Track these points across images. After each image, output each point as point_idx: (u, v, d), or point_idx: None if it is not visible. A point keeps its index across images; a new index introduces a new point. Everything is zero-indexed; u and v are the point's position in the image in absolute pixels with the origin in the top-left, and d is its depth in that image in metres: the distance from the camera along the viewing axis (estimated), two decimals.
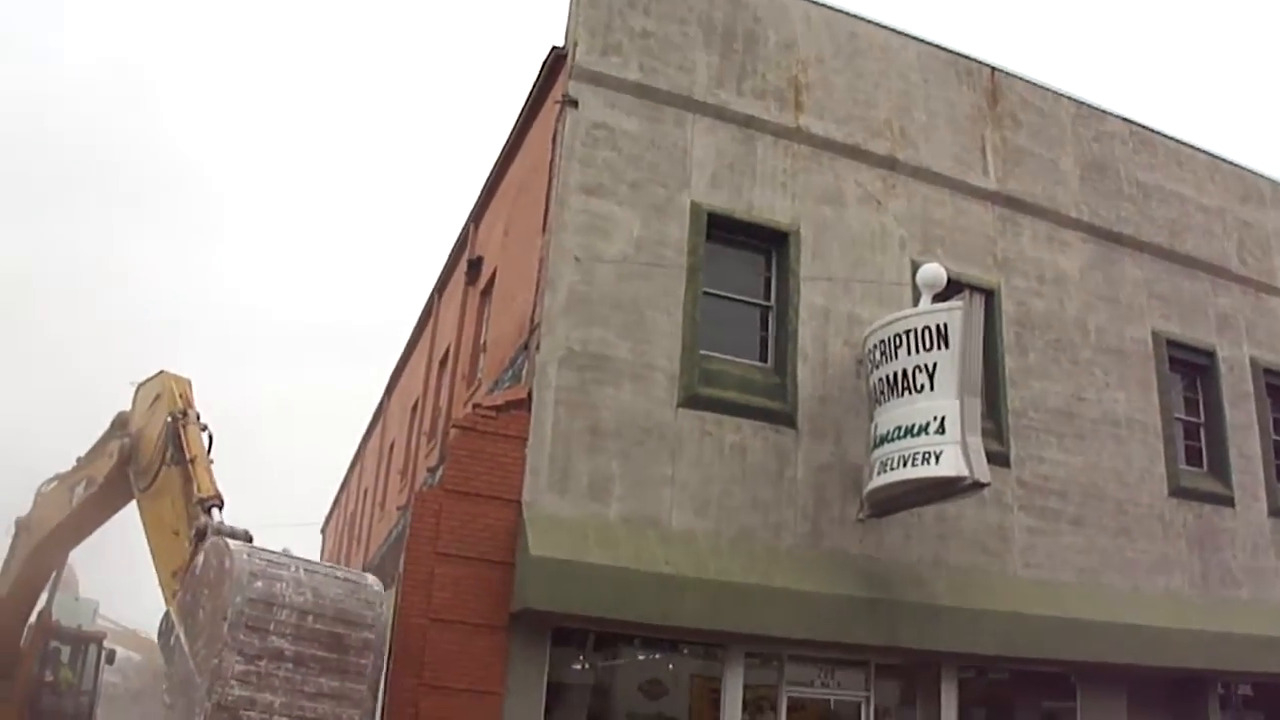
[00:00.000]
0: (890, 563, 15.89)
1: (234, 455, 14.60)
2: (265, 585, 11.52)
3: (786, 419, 15.85)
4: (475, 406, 15.00)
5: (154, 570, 14.06)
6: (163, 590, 13.62)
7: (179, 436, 14.20)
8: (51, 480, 18.53)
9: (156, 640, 13.66)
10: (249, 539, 13.08)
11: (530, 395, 14.66)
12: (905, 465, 14.74)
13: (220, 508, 13.48)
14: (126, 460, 15.35)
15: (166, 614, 12.93)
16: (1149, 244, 19.90)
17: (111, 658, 28.46)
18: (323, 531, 48.55)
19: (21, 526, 19.38)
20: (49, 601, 21.08)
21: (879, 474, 15.09)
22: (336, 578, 12.62)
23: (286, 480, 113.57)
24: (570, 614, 13.94)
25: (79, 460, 17.57)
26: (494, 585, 13.95)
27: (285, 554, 12.80)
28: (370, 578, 13.20)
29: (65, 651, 25.67)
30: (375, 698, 12.47)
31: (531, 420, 14.55)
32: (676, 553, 14.51)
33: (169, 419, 14.38)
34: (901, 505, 15.54)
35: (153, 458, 14.57)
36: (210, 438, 14.37)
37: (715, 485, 15.24)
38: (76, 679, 25.93)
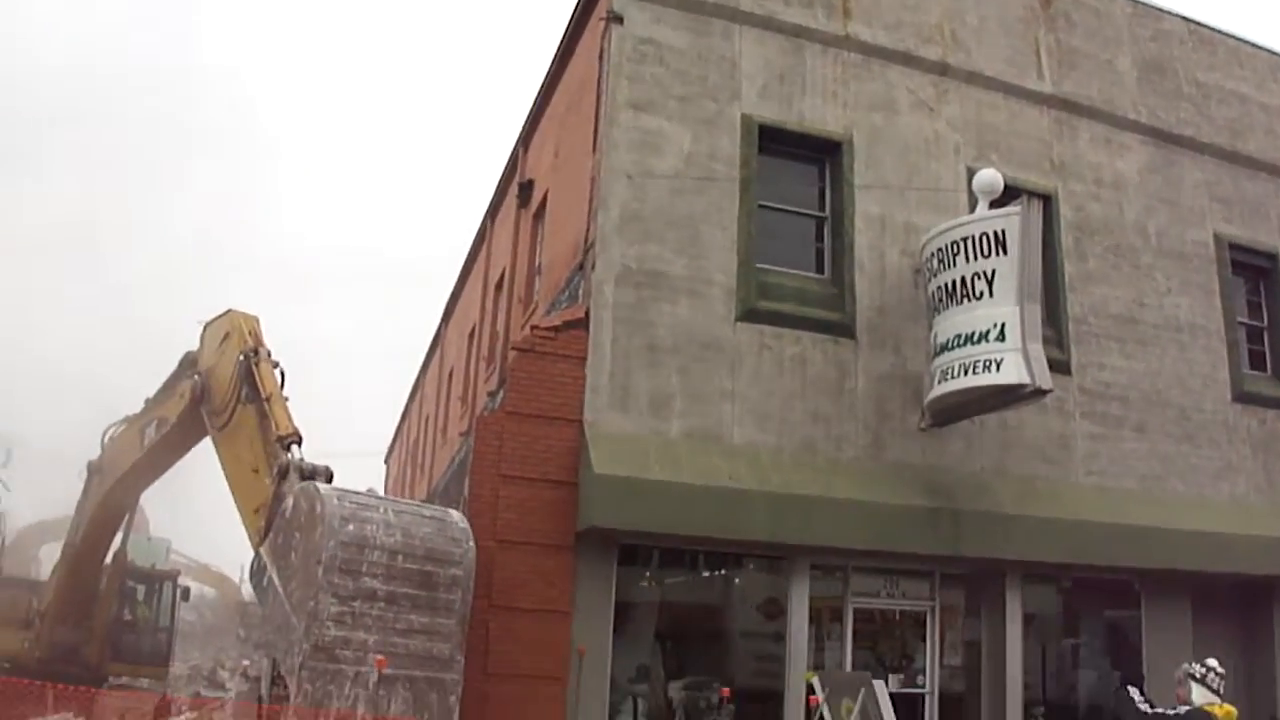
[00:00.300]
0: (952, 472, 15.83)
1: (295, 389, 14.63)
2: (356, 528, 11.71)
3: (845, 330, 15.76)
4: (533, 328, 15.02)
5: (234, 507, 14.22)
6: (246, 527, 13.78)
7: (252, 375, 14.27)
8: (120, 423, 18.67)
9: (249, 580, 13.83)
10: (330, 475, 13.24)
11: (587, 315, 14.65)
12: (966, 373, 14.64)
13: (299, 444, 13.58)
14: (198, 400, 15.45)
15: (258, 555, 13.08)
16: (1209, 145, 19.44)
17: (186, 594, 29.05)
18: (386, 461, 48.89)
19: (93, 470, 19.58)
20: (123, 542, 21.35)
21: (940, 383, 15.01)
22: (424, 516, 12.76)
23: (347, 413, 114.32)
24: (635, 531, 14.04)
25: (148, 402, 17.69)
26: (559, 505, 14.05)
27: (372, 494, 12.94)
28: (456, 514, 13.31)
29: (141, 590, 26.22)
30: (464, 630, 12.64)
31: (590, 339, 14.55)
32: (739, 467, 14.52)
33: (240, 358, 14.43)
34: (963, 414, 15.49)
35: (226, 396, 14.64)
36: (282, 374, 14.44)
37: (776, 398, 15.21)
38: (153, 616, 26.42)
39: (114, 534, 20.51)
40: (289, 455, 13.33)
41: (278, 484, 13.13)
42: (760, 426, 15.05)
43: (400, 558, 11.93)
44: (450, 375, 28.13)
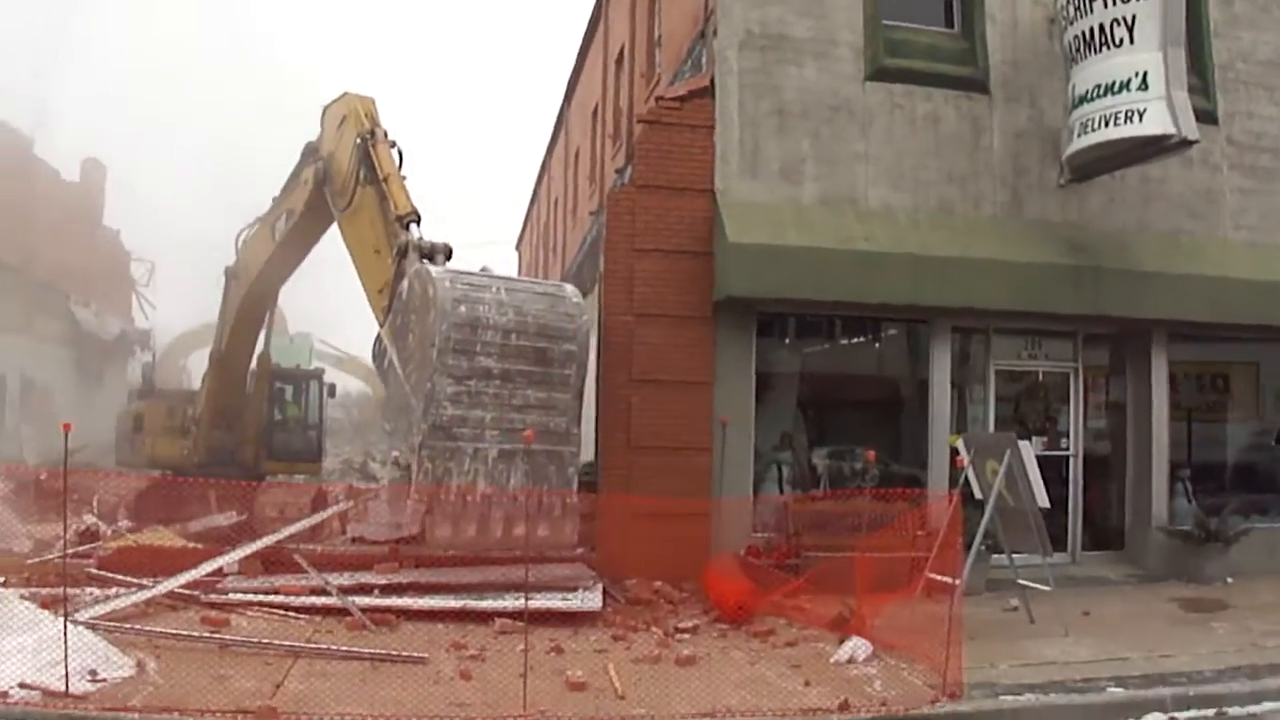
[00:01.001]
0: (1093, 229, 15.43)
1: (421, 180, 14.66)
2: (469, 309, 11.93)
3: (978, 85, 15.28)
4: (658, 99, 14.84)
5: (362, 290, 14.45)
6: (372, 307, 14.04)
7: (370, 156, 14.35)
8: (251, 225, 18.96)
9: (371, 362, 14.14)
10: (449, 253, 13.37)
11: (712, 82, 14.42)
12: (1107, 125, 14.09)
13: (417, 223, 13.69)
14: (322, 183, 15.60)
15: (379, 337, 13.34)
16: None
17: (333, 391, 29.70)
18: (517, 248, 48.92)
19: (230, 275, 19.99)
20: (266, 344, 21.78)
21: (1079, 136, 14.48)
22: (536, 293, 12.89)
23: (475, 203, 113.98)
24: (773, 299, 14.04)
25: (275, 200, 17.93)
26: (695, 276, 14.09)
27: (485, 273, 13.01)
28: (569, 288, 13.43)
29: (289, 391, 27.12)
30: (580, 404, 12.88)
31: (716, 107, 14.36)
32: (875, 229, 14.36)
33: (358, 140, 14.50)
34: (1104, 168, 14.98)
35: (347, 179, 14.76)
36: (400, 154, 14.48)
37: (909, 158, 14.93)
38: (302, 414, 27.33)
39: (256, 336, 20.94)
40: (408, 234, 13.48)
41: (398, 263, 13.35)
42: (895, 188, 14.81)
43: (514, 336, 12.18)
44: (576, 155, 27.99)
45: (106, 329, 39.63)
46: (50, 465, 14.73)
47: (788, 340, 15.46)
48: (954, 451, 13.94)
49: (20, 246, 32.16)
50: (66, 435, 8.99)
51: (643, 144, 14.38)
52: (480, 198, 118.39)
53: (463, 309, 11.89)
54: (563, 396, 12.54)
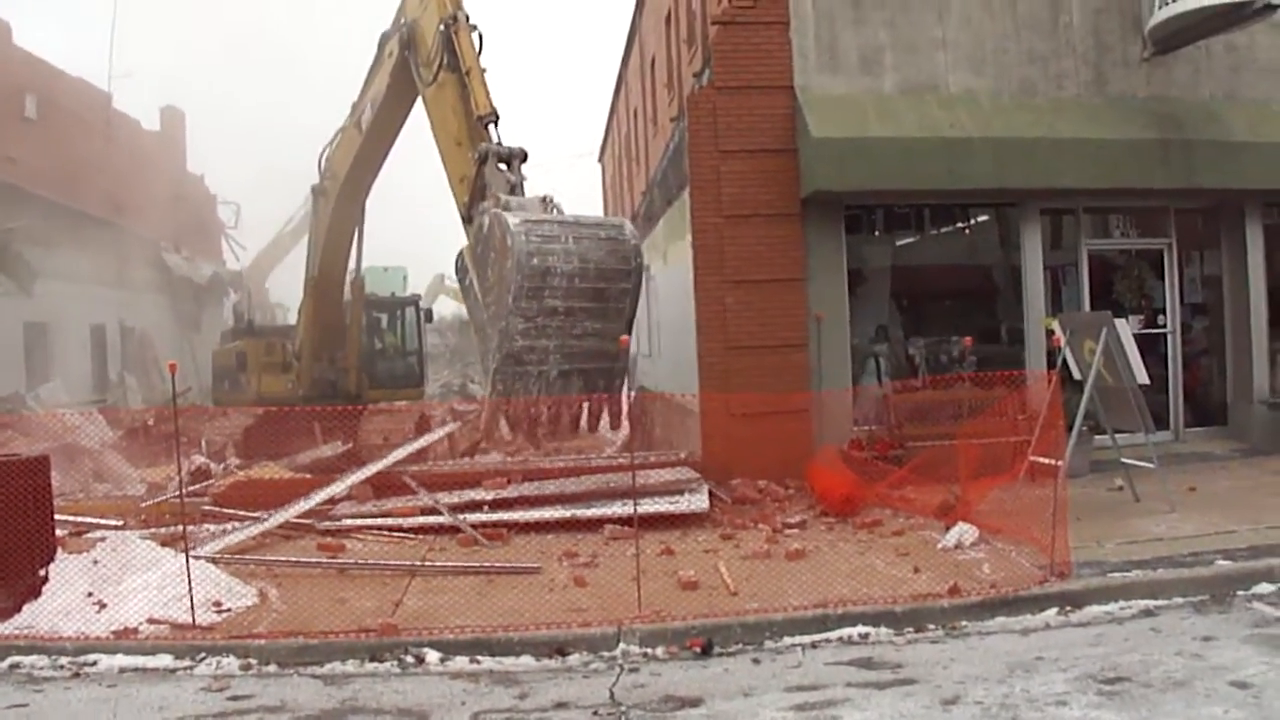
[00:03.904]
0: (1180, 101, 15.11)
1: (500, 102, 14.73)
2: (540, 260, 12.60)
3: None
4: None
5: (445, 177, 14.90)
6: (454, 196, 14.57)
7: (452, 43, 14.59)
8: (333, 139, 19.08)
9: (454, 274, 14.48)
10: (524, 157, 13.84)
11: None
12: None
13: (496, 123, 14.01)
14: (405, 46, 15.92)
15: (461, 255, 13.75)
16: None
17: (430, 316, 30.08)
18: (600, 161, 48.46)
19: (318, 193, 19.98)
20: (358, 268, 21.75)
21: (1161, 7, 14.25)
22: (600, 238, 13.36)
23: (555, 121, 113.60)
24: (860, 191, 14.03)
25: (353, 105, 18.06)
26: (781, 174, 14.13)
27: (555, 214, 13.46)
28: (628, 228, 13.95)
29: (384, 319, 27.42)
30: (631, 330, 13.72)
31: (790, 2, 14.25)
32: (958, 115, 14.25)
33: (441, 27, 14.76)
34: (1187, 39, 14.68)
35: (432, 55, 15.11)
36: (480, 39, 14.66)
37: (989, 41, 14.74)
38: (400, 341, 27.75)
39: (347, 256, 20.55)
40: (488, 141, 13.88)
41: (478, 167, 13.79)
42: (976, 72, 14.66)
43: (577, 280, 12.94)
44: (652, 64, 27.62)
45: (199, 273, 39.90)
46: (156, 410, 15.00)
47: (878, 233, 15.50)
48: (1049, 333, 13.91)
49: (108, 199, 32.44)
50: (174, 374, 9.28)
51: (719, 45, 14.34)
52: (560, 114, 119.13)
53: (535, 260, 12.57)
54: (615, 325, 13.27)
